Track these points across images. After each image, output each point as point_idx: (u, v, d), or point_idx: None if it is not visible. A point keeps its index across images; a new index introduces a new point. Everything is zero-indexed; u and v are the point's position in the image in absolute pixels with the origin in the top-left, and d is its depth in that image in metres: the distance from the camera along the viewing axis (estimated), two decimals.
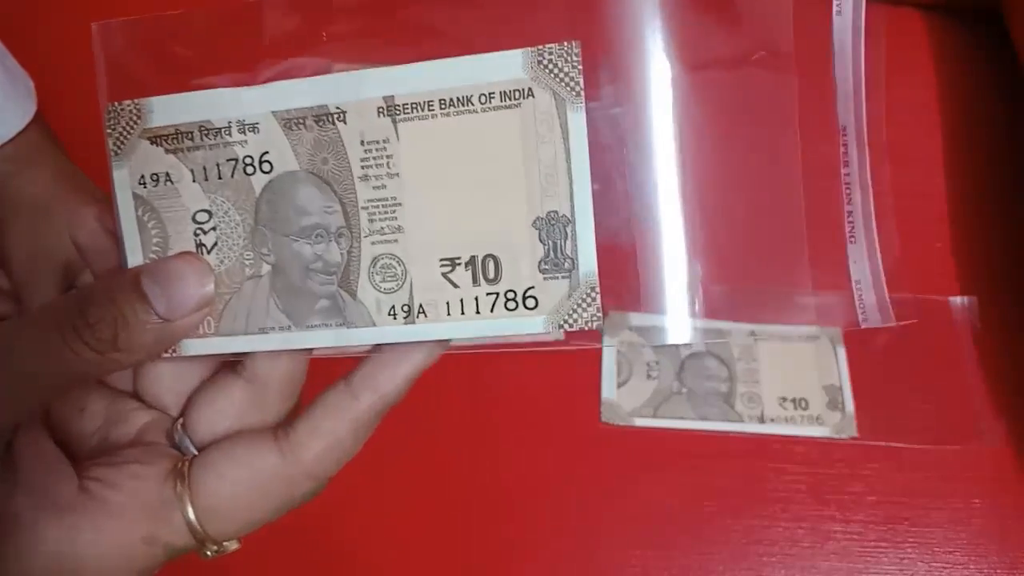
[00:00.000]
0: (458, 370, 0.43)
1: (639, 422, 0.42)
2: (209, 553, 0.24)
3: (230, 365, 0.25)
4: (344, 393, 0.23)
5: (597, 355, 0.44)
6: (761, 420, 0.42)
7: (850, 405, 0.42)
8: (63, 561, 0.22)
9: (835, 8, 0.24)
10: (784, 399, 0.43)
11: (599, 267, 0.22)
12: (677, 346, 0.44)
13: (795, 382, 0.43)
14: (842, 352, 0.44)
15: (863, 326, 0.24)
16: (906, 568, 0.39)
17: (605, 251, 0.22)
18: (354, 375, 0.23)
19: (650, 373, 0.44)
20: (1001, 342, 0.44)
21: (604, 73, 0.22)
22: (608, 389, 0.43)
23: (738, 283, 0.23)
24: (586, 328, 0.22)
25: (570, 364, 0.44)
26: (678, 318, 0.23)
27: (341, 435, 0.23)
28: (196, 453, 0.24)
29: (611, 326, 0.41)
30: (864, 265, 0.24)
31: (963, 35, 0.52)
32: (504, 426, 0.42)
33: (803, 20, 0.23)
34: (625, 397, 0.43)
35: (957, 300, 0.45)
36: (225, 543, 0.24)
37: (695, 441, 0.42)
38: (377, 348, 0.23)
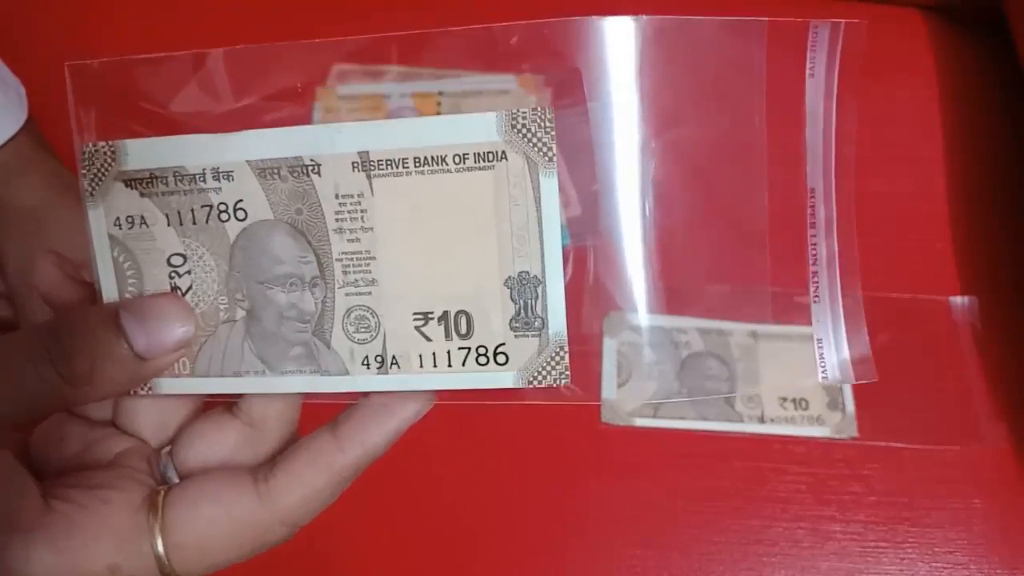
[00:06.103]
0: None
1: (639, 422, 0.42)
2: None
3: (224, 403, 0.25)
4: (330, 443, 0.23)
5: (597, 355, 0.44)
6: (761, 420, 0.42)
7: (850, 405, 0.42)
8: None
9: (808, 71, 0.24)
10: (784, 399, 0.43)
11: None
12: (677, 347, 0.44)
13: (795, 382, 0.43)
14: None
15: (822, 383, 0.25)
16: (906, 568, 0.39)
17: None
18: (341, 425, 0.23)
19: (650, 373, 0.44)
20: (1001, 342, 0.44)
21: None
22: (608, 389, 0.43)
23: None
24: (554, 385, 0.23)
25: (570, 364, 0.44)
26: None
27: (321, 485, 0.23)
28: (177, 482, 0.23)
29: (611, 326, 0.41)
30: (827, 325, 0.24)
31: (963, 35, 0.52)
32: (504, 426, 0.42)
33: (775, 80, 0.24)
34: (625, 397, 0.43)
35: (957, 300, 0.45)
36: None
37: (695, 441, 0.42)
38: (364, 396, 0.23)
